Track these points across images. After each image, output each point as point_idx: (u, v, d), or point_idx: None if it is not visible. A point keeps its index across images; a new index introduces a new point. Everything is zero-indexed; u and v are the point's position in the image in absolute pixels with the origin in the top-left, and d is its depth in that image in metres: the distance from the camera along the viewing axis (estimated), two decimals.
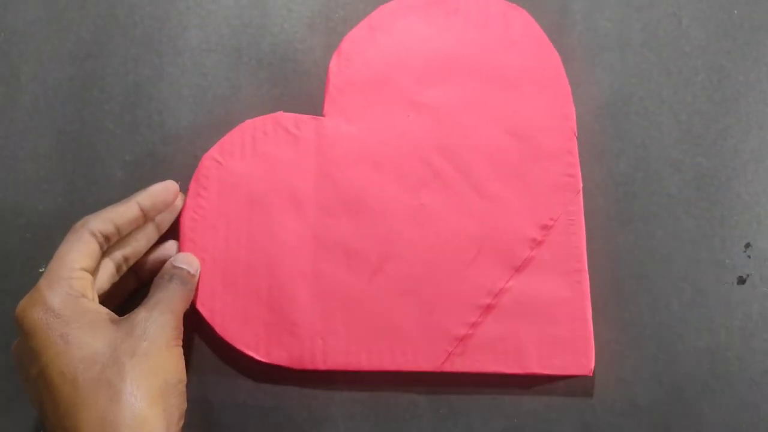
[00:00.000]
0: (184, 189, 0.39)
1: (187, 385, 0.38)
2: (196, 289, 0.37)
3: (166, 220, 0.37)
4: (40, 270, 0.39)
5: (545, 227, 0.38)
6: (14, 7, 0.42)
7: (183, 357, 0.33)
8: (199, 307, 0.37)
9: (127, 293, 0.38)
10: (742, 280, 0.38)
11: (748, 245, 0.39)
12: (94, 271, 0.33)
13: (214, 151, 0.39)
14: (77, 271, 0.32)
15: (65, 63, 0.41)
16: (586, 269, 0.37)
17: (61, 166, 0.40)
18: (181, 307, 0.34)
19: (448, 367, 0.36)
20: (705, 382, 0.37)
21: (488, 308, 0.37)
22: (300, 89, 0.41)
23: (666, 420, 0.37)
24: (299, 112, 0.40)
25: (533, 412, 0.37)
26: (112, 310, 0.33)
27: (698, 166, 0.40)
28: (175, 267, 0.35)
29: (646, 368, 0.37)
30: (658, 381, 0.37)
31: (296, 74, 0.41)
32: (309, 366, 0.36)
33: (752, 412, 0.37)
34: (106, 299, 0.35)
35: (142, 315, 0.32)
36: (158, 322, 0.32)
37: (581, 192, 0.38)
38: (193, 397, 0.38)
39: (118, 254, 0.35)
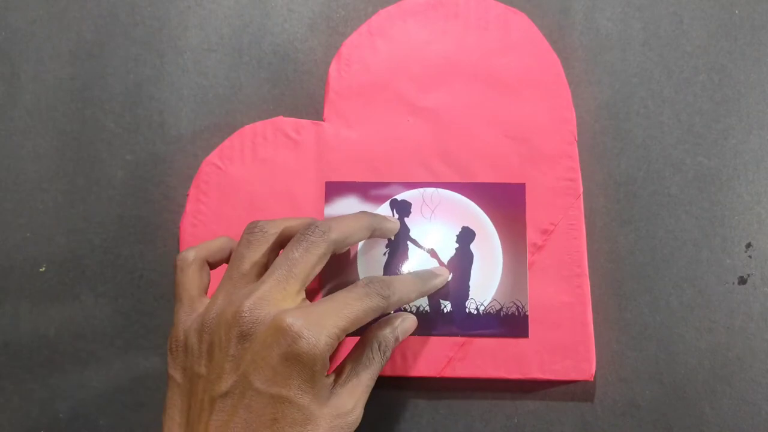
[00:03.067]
0: (184, 193, 0.39)
1: None
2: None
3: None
4: (41, 269, 0.39)
5: (546, 232, 0.37)
6: (15, 7, 0.42)
7: None
8: None
9: None
10: (743, 280, 0.38)
11: (749, 245, 0.39)
12: None
13: (214, 156, 0.39)
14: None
15: (66, 62, 0.41)
16: (587, 274, 0.37)
17: (61, 166, 0.40)
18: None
19: (449, 373, 0.36)
20: (706, 382, 0.37)
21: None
22: (301, 89, 0.41)
23: (667, 420, 0.37)
24: (299, 112, 0.40)
25: (533, 412, 0.37)
26: None
27: (699, 165, 0.40)
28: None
29: (646, 368, 0.37)
30: (659, 381, 0.37)
31: (297, 74, 0.41)
32: None
33: (753, 411, 0.37)
34: None
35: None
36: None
37: (581, 196, 0.38)
38: None
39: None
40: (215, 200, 0.38)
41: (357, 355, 0.31)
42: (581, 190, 0.38)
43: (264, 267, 0.31)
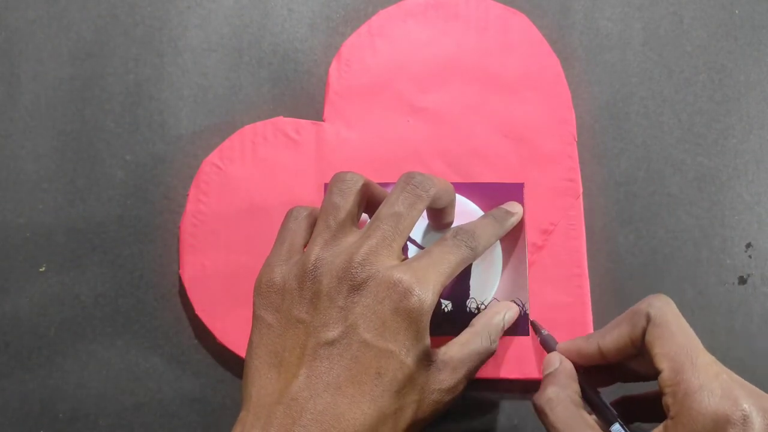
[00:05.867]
0: (184, 193, 0.39)
1: (188, 389, 0.38)
2: (197, 296, 0.38)
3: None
4: (41, 269, 0.39)
5: (545, 232, 0.37)
6: (15, 7, 0.42)
7: None
8: (200, 312, 0.37)
9: None
10: (743, 280, 0.38)
11: (749, 245, 0.39)
12: None
13: (214, 157, 0.39)
14: None
15: (66, 62, 0.41)
16: (587, 274, 0.37)
17: (61, 166, 0.40)
18: None
19: None
20: None
21: None
22: (301, 89, 0.41)
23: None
24: (300, 112, 0.40)
25: (533, 412, 0.37)
26: None
27: (699, 165, 0.40)
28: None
29: None
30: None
31: (297, 74, 0.41)
32: None
33: None
34: None
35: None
36: None
37: (581, 196, 0.38)
38: (193, 401, 0.38)
39: None
40: (215, 200, 0.38)
41: (467, 338, 0.32)
42: (581, 190, 0.38)
43: (356, 217, 0.31)
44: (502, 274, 0.37)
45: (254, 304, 0.30)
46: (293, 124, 0.39)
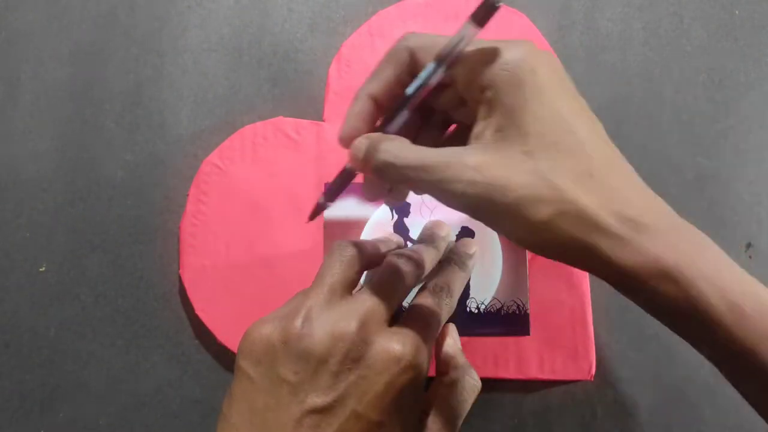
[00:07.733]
0: (184, 193, 0.39)
1: (189, 389, 0.38)
2: (197, 296, 0.38)
3: None
4: (41, 269, 0.39)
5: None
6: (15, 7, 0.42)
7: None
8: (200, 312, 0.37)
9: None
10: None
11: (749, 245, 0.39)
12: None
13: (214, 157, 0.39)
14: None
15: (66, 63, 0.41)
16: (587, 274, 0.37)
17: (61, 165, 0.40)
18: None
19: None
20: (705, 383, 0.37)
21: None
22: (301, 89, 0.41)
23: (666, 420, 0.37)
24: (300, 112, 0.40)
25: (533, 412, 0.37)
26: None
27: (699, 166, 0.40)
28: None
29: (646, 369, 0.37)
30: (659, 381, 0.37)
31: (297, 74, 0.41)
32: None
33: (752, 412, 0.37)
34: None
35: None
36: None
37: None
38: (193, 401, 0.38)
39: None
40: (215, 200, 0.38)
41: (446, 392, 0.31)
42: None
43: (353, 284, 0.30)
44: (502, 274, 0.37)
45: (237, 353, 0.29)
46: (293, 124, 0.39)
